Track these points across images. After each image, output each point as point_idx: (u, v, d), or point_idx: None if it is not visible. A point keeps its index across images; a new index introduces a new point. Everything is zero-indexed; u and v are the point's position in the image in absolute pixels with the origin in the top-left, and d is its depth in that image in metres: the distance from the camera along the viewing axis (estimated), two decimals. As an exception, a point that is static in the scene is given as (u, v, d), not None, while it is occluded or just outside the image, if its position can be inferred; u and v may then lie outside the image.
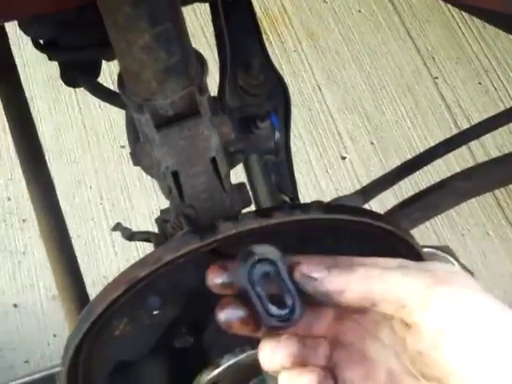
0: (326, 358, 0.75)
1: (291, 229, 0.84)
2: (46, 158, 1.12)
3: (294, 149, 1.84)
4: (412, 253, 0.95)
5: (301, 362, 0.74)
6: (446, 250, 1.43)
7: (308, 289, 0.71)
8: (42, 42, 1.03)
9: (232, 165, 1.00)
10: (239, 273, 0.72)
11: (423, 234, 1.68)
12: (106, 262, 1.78)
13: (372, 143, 1.96)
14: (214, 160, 0.86)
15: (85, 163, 1.91)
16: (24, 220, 1.78)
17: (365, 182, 1.82)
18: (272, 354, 0.74)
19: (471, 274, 1.39)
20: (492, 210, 1.77)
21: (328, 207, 0.85)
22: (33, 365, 1.43)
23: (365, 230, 0.88)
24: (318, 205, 0.84)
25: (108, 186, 1.84)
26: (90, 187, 1.86)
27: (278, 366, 0.74)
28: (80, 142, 1.95)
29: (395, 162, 1.90)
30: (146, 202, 1.85)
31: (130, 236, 0.89)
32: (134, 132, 0.95)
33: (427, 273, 0.69)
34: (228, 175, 0.90)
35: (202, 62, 0.81)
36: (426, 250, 1.43)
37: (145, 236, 0.88)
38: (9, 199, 1.83)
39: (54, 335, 1.57)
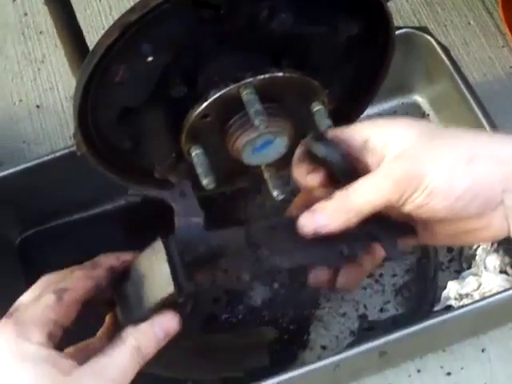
0: None
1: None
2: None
3: None
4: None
5: None
6: (425, 30, 1.50)
7: None
8: None
9: None
10: None
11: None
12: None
13: None
14: None
15: (94, -22, 1.99)
16: (41, 32, 1.88)
17: None
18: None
19: (447, 49, 1.47)
20: (473, 2, 1.84)
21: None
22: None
23: None
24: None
25: (116, -3, 1.93)
26: (100, 0, 1.95)
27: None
28: (89, -42, 2.02)
29: None
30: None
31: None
32: None
33: None
34: None
35: None
36: (404, 30, 1.53)
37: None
38: (25, 14, 1.93)
39: (75, 129, 1.70)
